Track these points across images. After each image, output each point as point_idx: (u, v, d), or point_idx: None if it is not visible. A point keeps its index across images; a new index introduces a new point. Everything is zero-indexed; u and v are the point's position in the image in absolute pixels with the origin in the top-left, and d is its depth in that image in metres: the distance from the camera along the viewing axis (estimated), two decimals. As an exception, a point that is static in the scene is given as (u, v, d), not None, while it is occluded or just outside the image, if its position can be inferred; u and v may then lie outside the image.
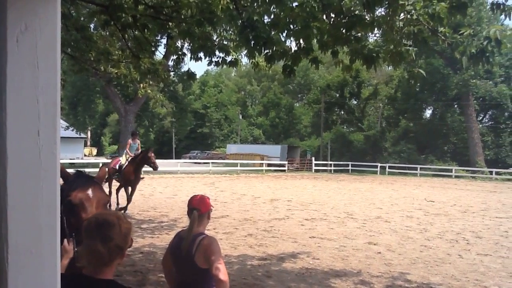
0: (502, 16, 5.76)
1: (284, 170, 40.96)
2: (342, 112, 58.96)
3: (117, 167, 12.97)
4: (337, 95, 56.72)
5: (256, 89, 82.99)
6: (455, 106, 48.56)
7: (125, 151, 13.54)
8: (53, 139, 1.36)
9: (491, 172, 38.85)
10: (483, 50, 5.63)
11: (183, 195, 17.55)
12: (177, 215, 12.72)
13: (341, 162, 45.80)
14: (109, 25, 7.51)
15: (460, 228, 12.00)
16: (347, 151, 50.71)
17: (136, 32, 7.89)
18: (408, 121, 50.81)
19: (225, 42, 8.10)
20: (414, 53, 6.34)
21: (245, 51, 7.25)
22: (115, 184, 13.68)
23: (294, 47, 6.77)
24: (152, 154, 12.50)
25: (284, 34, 6.45)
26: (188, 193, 16.04)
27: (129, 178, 12.46)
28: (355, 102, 58.77)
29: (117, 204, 13.20)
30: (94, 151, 72.26)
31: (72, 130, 42.81)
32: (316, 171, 43.31)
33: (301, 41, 6.47)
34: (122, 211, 12.02)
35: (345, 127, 57.44)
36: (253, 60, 8.19)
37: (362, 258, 8.31)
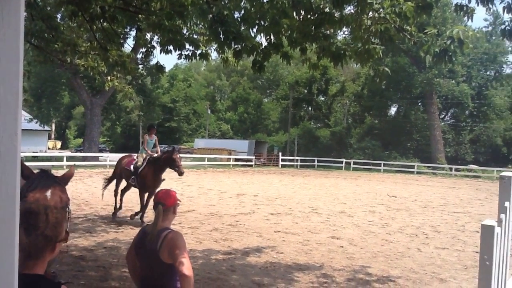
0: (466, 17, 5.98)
1: (251, 165, 41.11)
2: (310, 108, 59.65)
3: (131, 168, 10.72)
4: (305, 91, 57.34)
5: (225, 84, 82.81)
6: (419, 104, 49.95)
7: (141, 148, 11.16)
8: (14, 130, 1.35)
9: (450, 169, 40.25)
10: (446, 50, 5.81)
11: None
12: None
13: (308, 158, 46.34)
14: (77, 16, 7.33)
15: (420, 223, 12.39)
16: (314, 146, 51.34)
17: (104, 24, 7.73)
18: (374, 118, 51.98)
19: (195, 36, 8.06)
20: (381, 52, 6.48)
21: (215, 46, 7.25)
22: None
23: (264, 42, 6.82)
24: (178, 156, 10.35)
25: (255, 30, 6.49)
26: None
27: (148, 183, 10.31)
28: (322, 99, 59.54)
29: (117, 208, 11.19)
30: (59, 144, 70.29)
31: (36, 122, 41.50)
32: (283, 166, 43.68)
33: (271, 37, 6.52)
34: (137, 216, 10.47)
35: (312, 123, 58.13)
36: (223, 56, 8.19)
37: (325, 252, 8.48)
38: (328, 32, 6.33)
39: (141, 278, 3.08)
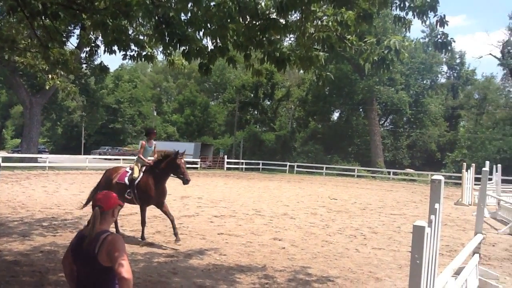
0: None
1: (196, 168, 40.85)
2: (256, 112, 60.12)
3: (126, 181, 9.19)
4: (252, 95, 57.79)
5: (172, 86, 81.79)
6: (360, 110, 51.70)
7: (137, 157, 9.67)
8: None
9: (389, 173, 42.01)
10: (384, 58, 6.12)
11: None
12: (83, 213, 12.18)
13: (253, 161, 46.68)
14: (16, 11, 7.03)
15: (359, 224, 12.87)
16: (259, 150, 51.78)
17: (46, 21, 7.46)
18: (317, 122, 53.25)
19: (141, 37, 7.96)
20: (324, 58, 6.71)
21: (161, 47, 7.20)
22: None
23: (210, 46, 6.85)
24: (182, 161, 8.92)
25: (201, 33, 6.51)
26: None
27: (150, 195, 8.95)
28: (268, 103, 60.21)
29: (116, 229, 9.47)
30: (-6, 144, 66.46)
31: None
32: (228, 169, 43.73)
33: (218, 40, 6.57)
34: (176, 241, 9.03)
35: (257, 127, 58.58)
36: (169, 58, 8.14)
37: (267, 253, 8.63)
38: (272, 38, 6.47)
39: (78, 282, 3.01)
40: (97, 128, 62.57)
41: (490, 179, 19.89)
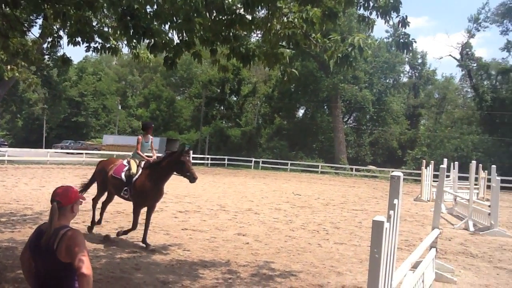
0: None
1: (161, 163, 40.32)
2: (222, 108, 59.99)
3: (122, 176, 8.52)
4: (218, 90, 57.61)
5: (137, 80, 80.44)
6: (325, 107, 52.44)
7: (134, 152, 8.92)
8: None
9: (351, 169, 42.88)
10: (347, 55, 6.23)
11: (52, 187, 16.36)
12: (43, 208, 11.87)
13: (218, 156, 46.57)
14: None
15: (322, 220, 13.08)
16: (224, 145, 51.70)
17: (6, 9, 7.18)
18: (282, 119, 53.68)
19: (105, 29, 7.79)
20: (290, 55, 6.77)
21: (125, 40, 7.08)
22: (119, 201, 9.80)
23: (176, 39, 6.79)
24: (188, 158, 8.25)
25: (167, 26, 6.44)
26: (57, 185, 15.02)
27: (147, 195, 8.30)
28: (234, 99, 60.17)
29: (94, 222, 9.27)
30: None
31: None
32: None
33: (184, 34, 6.52)
34: (125, 234, 8.63)
35: (223, 122, 58.49)
36: (134, 51, 8.01)
37: (231, 248, 8.66)
38: (238, 33, 6.47)
39: (37, 279, 2.94)
40: (59, 122, 60.98)
41: (448, 176, 20.62)
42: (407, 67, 61.79)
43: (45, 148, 48.01)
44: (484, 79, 49.37)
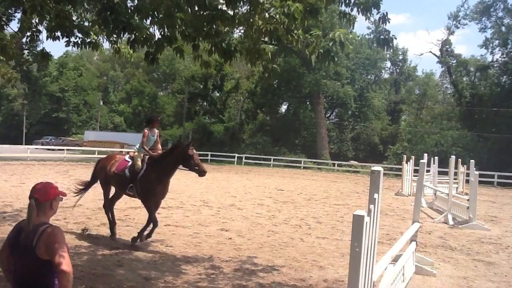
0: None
1: (143, 159, 40.18)
2: (205, 103, 59.82)
3: (126, 173, 8.19)
4: (201, 86, 57.41)
5: (119, 75, 79.59)
6: (307, 103, 52.68)
7: (139, 147, 8.46)
8: None
9: (334, 164, 43.23)
10: (329, 50, 6.26)
11: (32, 183, 16.02)
12: (23, 205, 11.65)
13: (201, 152, 46.35)
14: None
15: (304, 214, 13.17)
16: (207, 141, 51.58)
17: (-17, 3, 7.03)
18: (265, 114, 53.76)
19: (85, 23, 7.69)
20: (272, 51, 6.78)
21: (105, 34, 7.00)
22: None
23: (158, 35, 6.74)
24: (195, 151, 7.99)
25: (148, 21, 6.39)
26: (37, 182, 14.83)
27: (154, 190, 7.99)
28: (217, 94, 60.04)
29: (113, 224, 8.69)
30: None
31: None
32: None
33: (165, 29, 6.48)
34: (144, 238, 8.09)
35: (206, 118, 58.33)
36: (115, 46, 7.93)
37: (214, 244, 8.67)
38: (220, 29, 6.46)
39: (16, 276, 2.90)
40: (40, 117, 60.06)
41: (428, 171, 20.93)
42: (388, 64, 62.52)
43: (25, 144, 47.25)
44: (463, 76, 50.22)
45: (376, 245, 4.37)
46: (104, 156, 9.60)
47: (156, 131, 8.67)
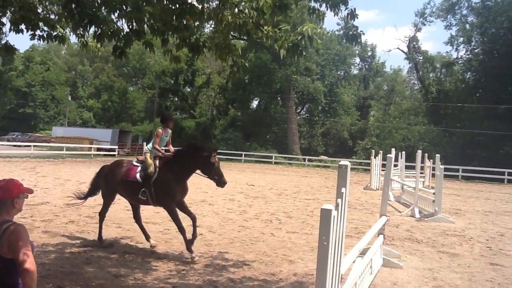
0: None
1: (114, 155, 39.84)
2: (176, 99, 59.32)
3: (138, 178, 7.46)
4: (172, 81, 56.84)
5: (88, 70, 77.92)
6: (278, 98, 52.96)
7: (148, 146, 7.83)
8: None
9: (304, 159, 43.69)
10: (297, 45, 6.30)
11: (-6, 180, 15.63)
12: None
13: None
14: None
15: (275, 209, 13.27)
16: (179, 137, 51.16)
17: None
18: (237, 110, 53.78)
19: (51, 16, 7.47)
20: (243, 47, 6.77)
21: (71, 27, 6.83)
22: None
23: (126, 28, 6.62)
24: (217, 159, 7.35)
25: (116, 15, 6.27)
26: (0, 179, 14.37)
27: (172, 193, 7.35)
28: (188, 90, 59.60)
29: (147, 236, 8.00)
30: None
31: None
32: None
33: (133, 23, 6.37)
34: (190, 255, 7.17)
35: (177, 114, 57.89)
36: (82, 39, 7.74)
37: (185, 240, 8.62)
38: (189, 23, 6.40)
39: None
40: (5, 113, 58.25)
41: (396, 166, 21.39)
42: (357, 60, 63.53)
43: (-10, 140, 45.78)
44: (430, 72, 51.54)
45: (344, 238, 4.43)
46: (111, 162, 8.74)
47: (169, 131, 8.09)
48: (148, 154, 7.64)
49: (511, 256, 8.81)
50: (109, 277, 6.08)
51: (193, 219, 7.49)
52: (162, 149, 7.76)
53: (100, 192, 8.39)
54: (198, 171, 7.36)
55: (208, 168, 7.20)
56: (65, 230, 8.88)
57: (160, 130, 7.82)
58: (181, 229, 7.34)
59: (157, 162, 7.57)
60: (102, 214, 8.23)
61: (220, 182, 7.21)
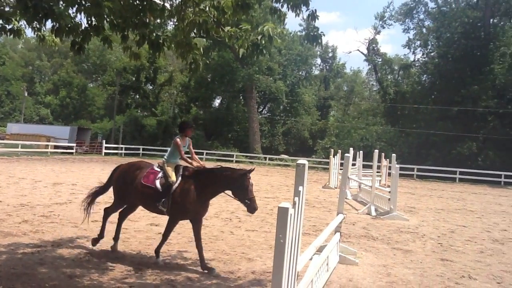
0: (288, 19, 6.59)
1: (72, 153, 38.89)
2: (137, 96, 58.36)
3: (157, 185, 6.89)
4: (133, 78, 55.85)
5: (46, 65, 75.39)
6: (240, 97, 53.07)
7: (172, 154, 7.18)
8: None
9: (265, 158, 44.00)
10: (257, 44, 6.36)
11: None
12: None
13: (133, 146, 45.40)
14: None
15: (235, 208, 13.25)
16: (140, 135, 50.48)
17: None
18: (199, 108, 53.53)
19: (6, 9, 7.21)
20: (205, 45, 6.76)
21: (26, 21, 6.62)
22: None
23: (84, 23, 6.49)
24: (251, 181, 6.59)
25: (74, 9, 6.14)
26: None
27: (187, 208, 6.76)
28: (150, 87, 58.76)
29: (116, 237, 7.60)
30: None
31: None
32: (107, 154, 42.03)
33: (92, 18, 6.25)
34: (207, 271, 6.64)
35: (138, 111, 56.98)
36: (39, 34, 7.52)
37: (143, 239, 8.55)
38: (150, 20, 6.35)
39: None
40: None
41: (354, 165, 21.90)
42: (318, 60, 64.48)
43: None
44: (388, 74, 52.97)
45: (300, 236, 4.53)
46: (125, 162, 8.16)
47: (189, 140, 7.43)
48: (166, 164, 7.04)
49: (460, 251, 9.23)
50: (64, 278, 5.95)
51: (198, 247, 6.84)
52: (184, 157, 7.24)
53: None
54: (227, 191, 6.77)
55: (241, 191, 6.52)
56: (18, 230, 8.59)
57: (178, 140, 7.18)
58: (165, 238, 7.07)
59: (184, 171, 7.00)
60: (107, 211, 7.89)
61: (251, 207, 6.50)
